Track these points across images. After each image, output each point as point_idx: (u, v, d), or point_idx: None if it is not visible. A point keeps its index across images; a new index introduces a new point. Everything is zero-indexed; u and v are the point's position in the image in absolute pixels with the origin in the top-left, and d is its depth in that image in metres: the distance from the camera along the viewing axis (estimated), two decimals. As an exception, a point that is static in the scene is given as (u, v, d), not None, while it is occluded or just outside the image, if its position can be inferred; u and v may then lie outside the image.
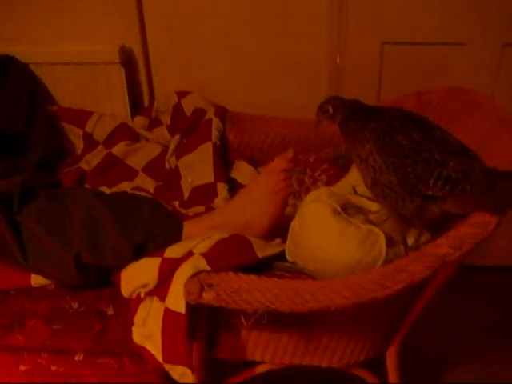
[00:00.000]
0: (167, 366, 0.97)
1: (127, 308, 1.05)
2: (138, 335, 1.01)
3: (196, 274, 0.91)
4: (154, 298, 0.98)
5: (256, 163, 1.48)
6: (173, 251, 1.00)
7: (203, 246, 0.99)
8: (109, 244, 1.03)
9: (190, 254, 0.98)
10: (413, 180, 0.94)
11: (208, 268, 0.92)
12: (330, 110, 1.06)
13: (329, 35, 1.56)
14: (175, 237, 1.07)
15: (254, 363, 1.10)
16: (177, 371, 0.97)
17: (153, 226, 1.06)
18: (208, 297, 0.87)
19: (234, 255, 0.97)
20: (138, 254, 1.03)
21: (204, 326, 1.00)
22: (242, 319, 0.89)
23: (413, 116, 1.02)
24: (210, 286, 0.87)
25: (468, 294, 1.76)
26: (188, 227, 1.09)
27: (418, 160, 0.94)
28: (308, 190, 1.33)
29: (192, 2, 1.55)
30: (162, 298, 0.95)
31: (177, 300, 0.92)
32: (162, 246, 1.02)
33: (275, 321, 0.92)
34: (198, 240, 1.01)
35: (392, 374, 1.16)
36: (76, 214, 1.05)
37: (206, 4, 1.55)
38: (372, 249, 0.97)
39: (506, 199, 0.87)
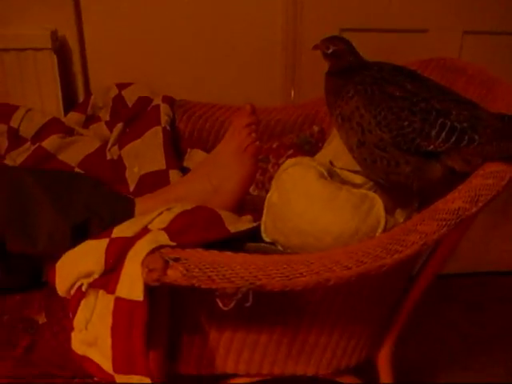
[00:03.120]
0: (119, 378, 0.75)
1: (65, 314, 0.83)
2: (78, 342, 0.79)
3: (157, 249, 0.71)
4: (99, 292, 0.77)
5: (212, 154, 1.30)
6: (123, 230, 0.78)
7: (162, 220, 0.79)
8: (41, 222, 0.82)
9: (145, 230, 0.77)
10: (411, 135, 0.80)
11: (171, 243, 0.73)
12: (331, 49, 0.92)
13: (284, 22, 1.46)
14: (126, 214, 0.87)
15: (224, 378, 0.90)
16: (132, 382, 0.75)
17: (96, 203, 0.86)
18: (175, 274, 0.66)
19: (200, 229, 0.77)
20: (79, 236, 0.82)
21: (164, 325, 0.79)
22: (219, 303, 0.69)
23: (403, 68, 0.90)
24: (177, 260, 0.67)
25: (440, 302, 1.65)
26: (142, 203, 0.90)
27: (415, 111, 0.80)
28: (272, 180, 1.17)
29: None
30: (111, 290, 0.74)
31: (132, 285, 0.71)
32: (109, 226, 0.81)
33: (255, 311, 0.73)
34: (154, 214, 0.81)
35: (385, 380, 0.99)
36: None
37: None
38: (369, 216, 0.81)
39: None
